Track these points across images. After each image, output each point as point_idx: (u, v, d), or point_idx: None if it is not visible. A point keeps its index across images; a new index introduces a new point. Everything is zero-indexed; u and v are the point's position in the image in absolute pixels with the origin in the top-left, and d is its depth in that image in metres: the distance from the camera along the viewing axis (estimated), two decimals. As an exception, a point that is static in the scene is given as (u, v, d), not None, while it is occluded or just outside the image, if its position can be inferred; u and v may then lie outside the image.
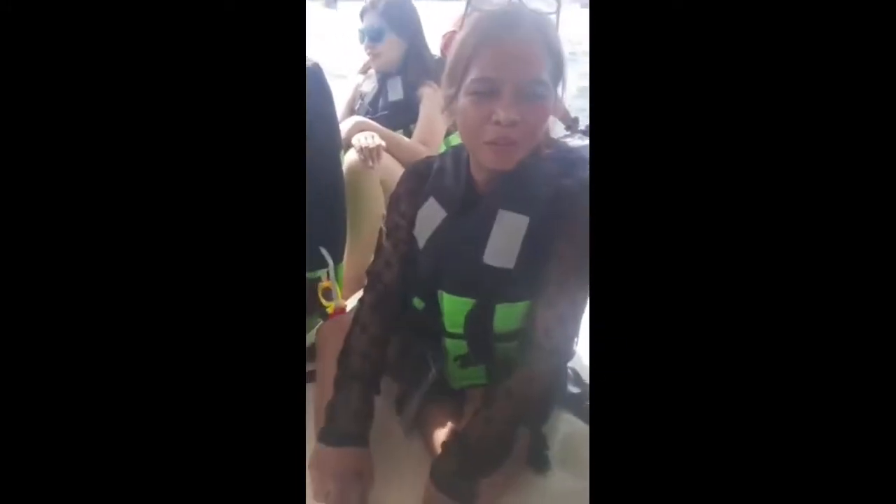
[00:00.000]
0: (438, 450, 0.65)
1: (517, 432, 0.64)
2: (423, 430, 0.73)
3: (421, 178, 0.72)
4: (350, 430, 0.66)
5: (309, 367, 0.89)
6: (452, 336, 0.70)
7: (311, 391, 0.78)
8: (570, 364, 0.75)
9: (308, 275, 0.94)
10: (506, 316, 0.67)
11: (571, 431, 0.70)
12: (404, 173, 0.75)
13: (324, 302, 0.90)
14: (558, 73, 0.61)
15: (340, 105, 1.46)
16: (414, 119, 1.33)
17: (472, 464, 0.61)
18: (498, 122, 0.57)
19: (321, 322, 0.95)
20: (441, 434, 0.68)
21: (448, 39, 1.51)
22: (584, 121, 1.14)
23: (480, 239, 0.64)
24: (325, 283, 0.91)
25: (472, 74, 0.58)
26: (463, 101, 0.60)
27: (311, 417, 0.74)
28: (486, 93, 0.58)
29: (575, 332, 0.68)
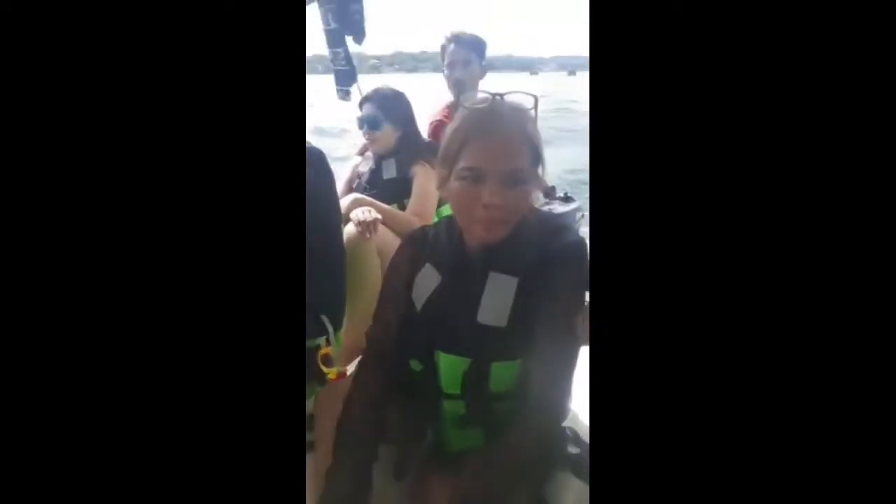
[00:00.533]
0: None
1: (517, 494, 0.64)
2: (420, 496, 0.72)
3: (417, 246, 0.77)
4: (348, 496, 0.66)
5: (307, 438, 0.88)
6: (450, 397, 0.72)
7: (310, 460, 0.77)
8: (568, 424, 0.75)
9: (307, 343, 0.95)
10: (501, 375, 0.69)
11: (575, 493, 0.69)
12: (402, 241, 0.81)
13: (324, 369, 0.91)
14: (537, 158, 0.69)
15: (340, 184, 1.56)
16: (407, 194, 1.42)
17: None
18: (485, 206, 0.64)
19: (319, 390, 0.95)
20: (440, 499, 0.67)
21: (435, 127, 1.67)
22: (561, 189, 1.24)
23: (474, 300, 0.68)
24: (324, 350, 0.93)
25: (462, 163, 0.66)
26: (454, 184, 0.68)
27: (310, 486, 0.73)
28: (474, 178, 0.65)
29: (567, 391, 0.70)
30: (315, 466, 0.74)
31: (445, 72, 1.67)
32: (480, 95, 0.71)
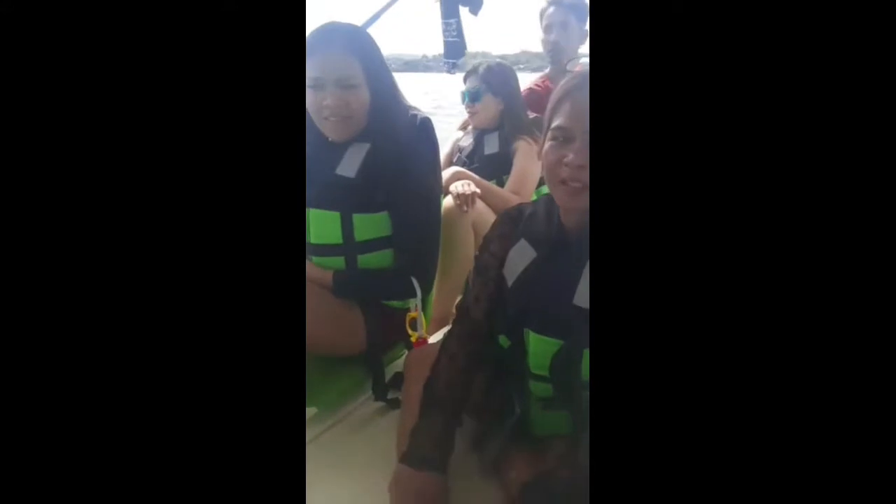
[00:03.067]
0: (518, 492, 0.64)
1: None
2: (501, 471, 0.72)
3: (514, 222, 0.75)
4: (431, 455, 0.67)
5: (395, 395, 0.92)
6: (537, 378, 0.70)
7: (396, 417, 0.81)
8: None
9: (398, 304, 0.99)
10: None
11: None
12: (498, 217, 0.79)
13: (410, 331, 0.95)
14: None
15: (441, 158, 1.58)
16: (507, 171, 1.39)
17: None
18: (567, 164, 0.62)
19: (406, 352, 0.99)
20: (522, 476, 0.66)
21: (526, 94, 1.60)
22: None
23: (571, 281, 0.65)
24: (412, 314, 0.96)
25: (554, 123, 0.65)
26: (545, 145, 0.67)
27: (395, 440, 0.76)
28: (563, 139, 0.64)
29: None
30: (401, 423, 0.78)
31: (542, 36, 1.59)
32: (586, 59, 0.69)
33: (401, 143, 0.91)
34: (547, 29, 1.58)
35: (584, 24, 1.57)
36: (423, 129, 0.93)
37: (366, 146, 0.92)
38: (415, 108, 0.96)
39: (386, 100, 0.92)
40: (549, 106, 0.68)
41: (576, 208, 0.65)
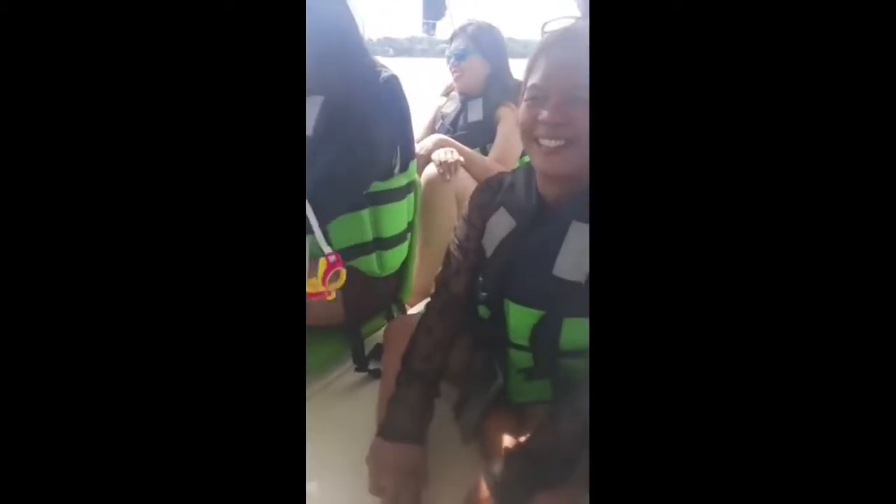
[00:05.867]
0: (498, 457, 0.65)
1: (582, 453, 0.62)
2: (481, 438, 0.73)
3: (493, 192, 0.74)
4: (408, 428, 0.68)
5: (376, 366, 0.92)
6: (517, 347, 0.70)
7: (376, 387, 0.81)
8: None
9: (375, 270, 0.98)
10: (574, 331, 0.65)
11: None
12: (477, 186, 0.77)
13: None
14: None
15: (423, 123, 1.53)
16: (491, 139, 1.37)
17: (534, 475, 0.60)
18: (542, 122, 0.61)
19: (385, 322, 0.99)
20: (503, 443, 0.67)
21: None
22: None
23: (550, 251, 0.64)
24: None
25: (529, 83, 0.64)
26: (521, 107, 0.65)
27: (374, 410, 0.76)
28: (538, 98, 0.62)
29: None
30: (381, 394, 0.77)
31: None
32: (564, 19, 0.67)
33: (361, 97, 0.85)
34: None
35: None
36: (388, 87, 0.87)
37: (319, 99, 0.86)
38: (382, 66, 0.90)
39: (339, 50, 0.86)
40: (526, 67, 0.66)
41: (551, 171, 0.64)
